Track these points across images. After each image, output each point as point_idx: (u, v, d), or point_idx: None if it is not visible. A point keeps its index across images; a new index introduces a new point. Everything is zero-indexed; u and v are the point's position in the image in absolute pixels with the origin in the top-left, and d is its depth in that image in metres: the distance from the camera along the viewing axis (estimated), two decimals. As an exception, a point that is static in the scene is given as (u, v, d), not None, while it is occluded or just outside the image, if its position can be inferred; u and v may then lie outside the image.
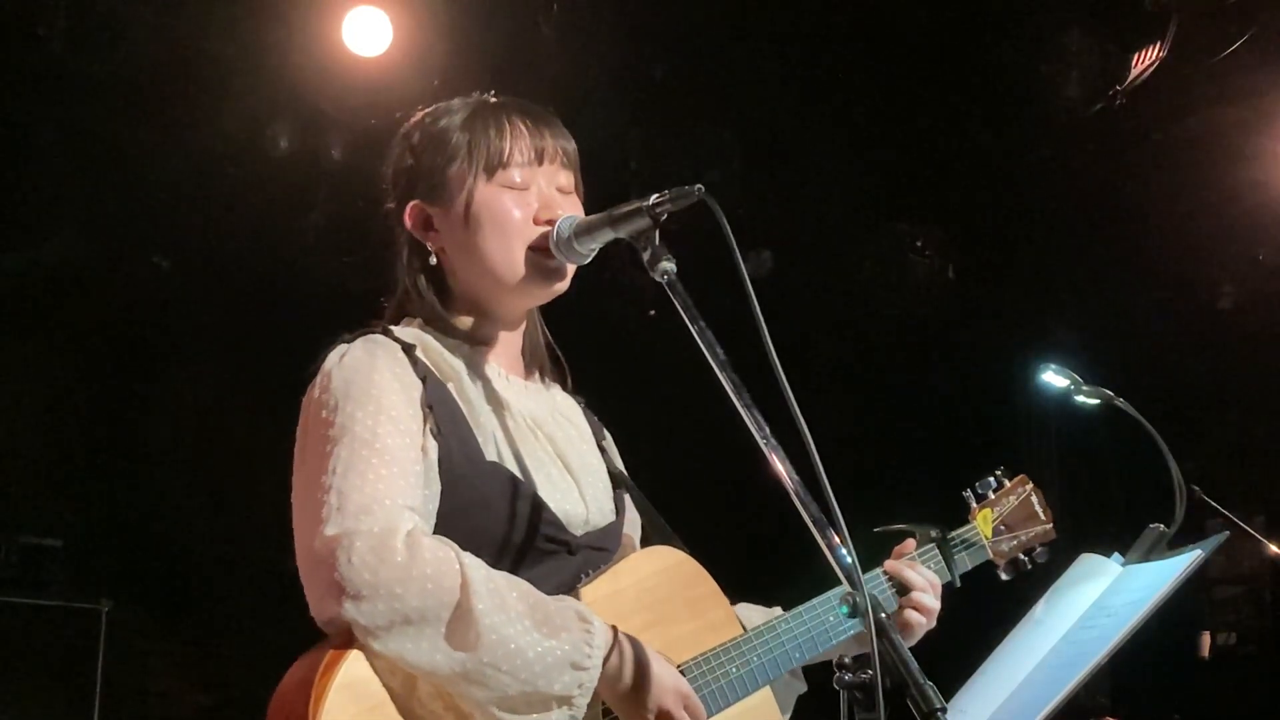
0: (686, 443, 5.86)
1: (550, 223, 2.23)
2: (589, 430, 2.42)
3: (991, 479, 2.75)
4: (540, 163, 2.27)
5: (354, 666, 1.95)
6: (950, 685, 2.38)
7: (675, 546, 2.32)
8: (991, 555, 2.68)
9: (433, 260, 2.28)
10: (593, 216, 2.19)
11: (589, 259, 2.23)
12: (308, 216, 5.79)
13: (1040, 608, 2.60)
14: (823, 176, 6.13)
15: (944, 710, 1.79)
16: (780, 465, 1.90)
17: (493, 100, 2.34)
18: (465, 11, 5.26)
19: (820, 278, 6.45)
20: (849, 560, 1.85)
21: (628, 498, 2.39)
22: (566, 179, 2.30)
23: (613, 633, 2.05)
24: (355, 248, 5.48)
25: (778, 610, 2.43)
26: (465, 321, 2.28)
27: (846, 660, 1.86)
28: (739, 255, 1.98)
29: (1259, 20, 5.09)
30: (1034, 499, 2.77)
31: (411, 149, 2.31)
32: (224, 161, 5.52)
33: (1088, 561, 2.64)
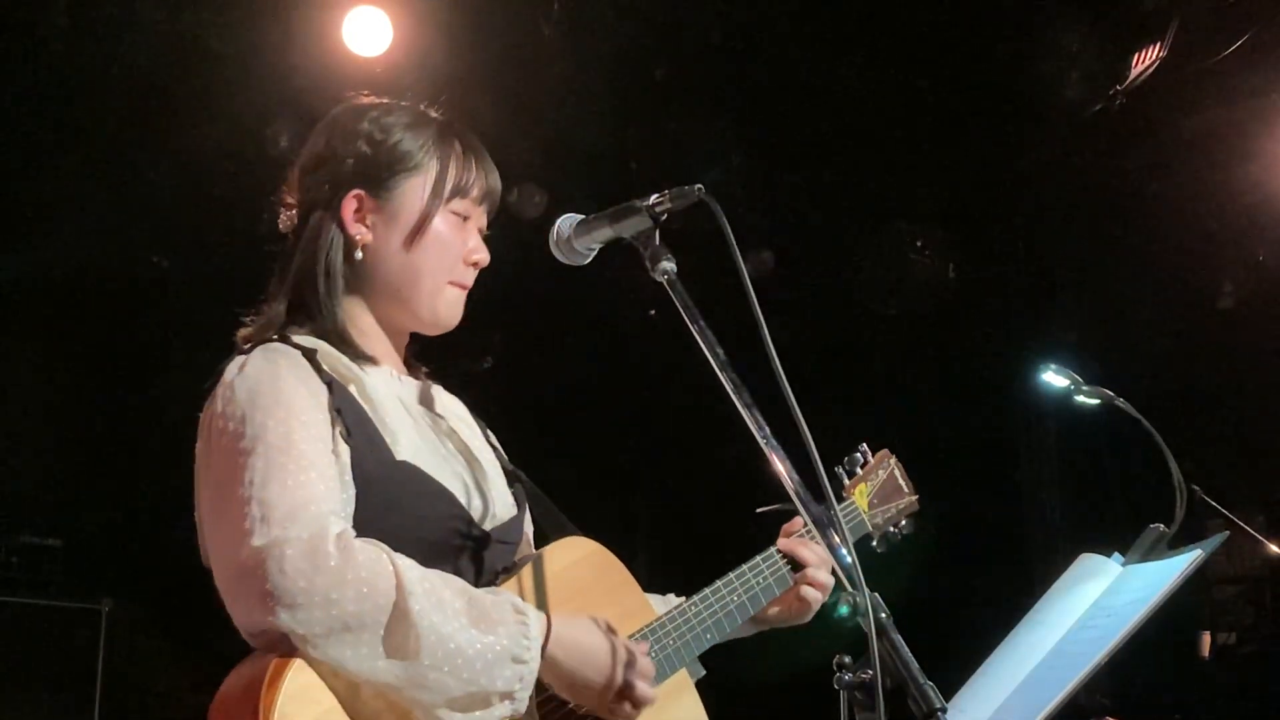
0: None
1: (475, 265, 2.31)
2: (478, 428, 2.45)
3: (859, 454, 2.80)
4: (481, 203, 2.34)
5: (300, 675, 1.93)
6: (950, 685, 2.38)
7: (574, 535, 2.34)
8: (870, 529, 2.74)
9: (359, 254, 2.28)
10: (593, 216, 2.19)
11: (589, 259, 2.23)
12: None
13: (1040, 608, 2.60)
14: (823, 176, 6.13)
15: (944, 710, 1.78)
16: (780, 465, 1.90)
17: (451, 122, 2.36)
18: (465, 11, 5.25)
19: (820, 278, 6.45)
20: (849, 560, 1.85)
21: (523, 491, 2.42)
22: (485, 222, 2.37)
23: (547, 621, 2.05)
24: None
25: (672, 597, 2.48)
26: (358, 324, 2.29)
27: (846, 660, 1.86)
28: (739, 255, 1.98)
29: (1259, 20, 5.09)
30: (898, 472, 2.83)
31: (368, 138, 2.30)
32: (224, 161, 5.51)
33: (1088, 561, 2.64)
